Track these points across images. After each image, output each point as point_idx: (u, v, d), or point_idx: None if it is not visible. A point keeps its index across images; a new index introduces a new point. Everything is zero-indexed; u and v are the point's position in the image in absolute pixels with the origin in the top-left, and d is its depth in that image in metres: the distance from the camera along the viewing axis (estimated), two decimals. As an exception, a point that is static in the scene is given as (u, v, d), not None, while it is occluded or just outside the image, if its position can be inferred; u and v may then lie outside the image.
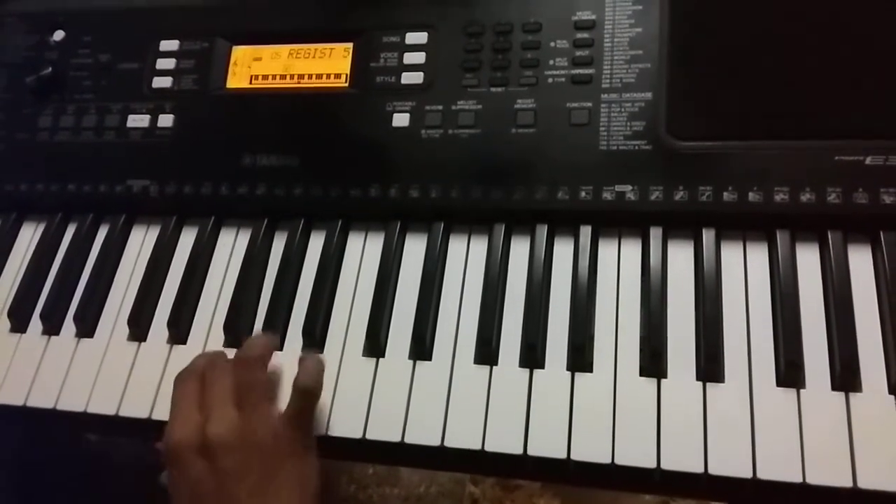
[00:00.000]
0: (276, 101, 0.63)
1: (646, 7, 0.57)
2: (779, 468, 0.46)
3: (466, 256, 0.57)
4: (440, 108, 0.59)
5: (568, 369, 0.51)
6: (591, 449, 0.48)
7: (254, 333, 0.57)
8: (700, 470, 0.46)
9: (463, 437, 0.50)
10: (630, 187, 0.54)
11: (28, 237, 0.67)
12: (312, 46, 0.64)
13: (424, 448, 0.51)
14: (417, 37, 0.61)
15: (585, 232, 0.55)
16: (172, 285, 0.61)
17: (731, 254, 0.53)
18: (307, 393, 0.50)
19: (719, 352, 0.50)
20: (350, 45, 0.63)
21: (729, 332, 0.50)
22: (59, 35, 0.70)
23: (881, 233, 0.51)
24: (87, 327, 0.61)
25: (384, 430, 0.51)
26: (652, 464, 0.47)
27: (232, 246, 0.62)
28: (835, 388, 0.48)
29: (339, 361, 0.55)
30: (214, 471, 0.46)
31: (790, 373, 0.48)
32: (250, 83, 0.65)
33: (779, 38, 0.55)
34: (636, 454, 0.48)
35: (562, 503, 1.05)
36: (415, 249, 0.58)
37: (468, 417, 0.51)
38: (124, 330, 0.60)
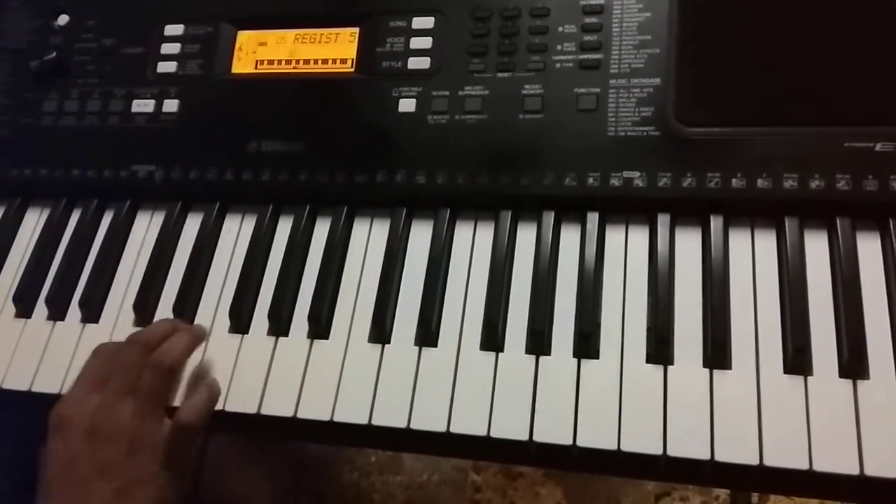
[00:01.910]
0: (281, 86, 0.63)
1: (654, -8, 0.57)
2: (786, 455, 0.46)
3: (473, 243, 0.57)
4: (447, 93, 0.59)
5: (574, 356, 0.51)
6: (596, 435, 0.48)
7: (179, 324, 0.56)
8: (706, 457, 0.46)
9: (468, 424, 0.50)
10: (638, 173, 0.53)
11: (33, 223, 0.67)
12: (318, 31, 0.64)
13: (430, 434, 0.51)
14: (424, 21, 0.61)
15: (592, 218, 0.55)
16: (177, 271, 0.61)
17: (739, 241, 0.53)
18: (186, 429, 0.50)
19: (726, 339, 0.49)
20: (356, 30, 0.63)
21: (736, 319, 0.50)
22: (63, 19, 0.69)
23: (890, 220, 0.50)
24: (92, 313, 0.61)
25: (390, 416, 0.51)
26: (658, 450, 0.47)
27: (237, 232, 0.62)
28: (842, 375, 0.48)
29: (344, 347, 0.55)
30: (92, 457, 0.47)
31: (797, 360, 0.48)
32: (255, 68, 0.64)
33: (788, 23, 0.54)
34: (642, 441, 0.48)
35: (564, 492, 1.05)
36: (421, 235, 0.58)
37: (474, 404, 0.51)
38: (129, 315, 0.60)
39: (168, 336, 0.53)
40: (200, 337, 0.55)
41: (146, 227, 0.64)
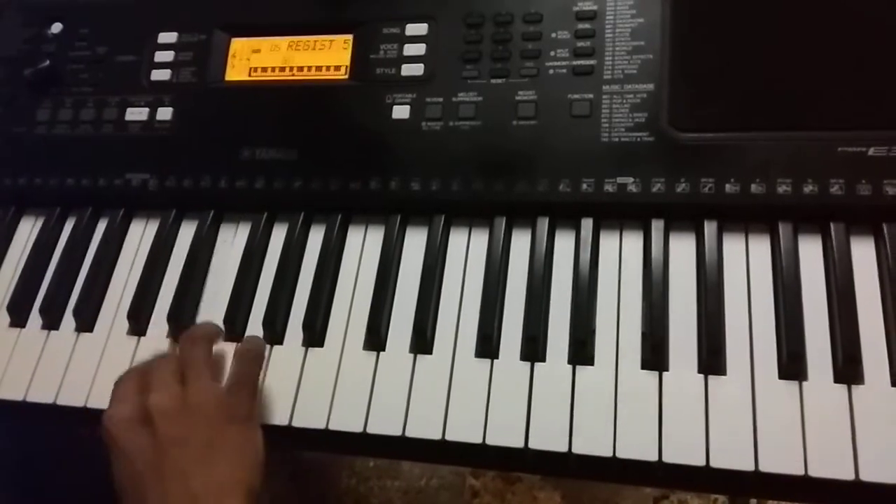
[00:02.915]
0: (275, 93, 0.63)
1: (647, -3, 0.57)
2: (781, 461, 0.46)
3: (467, 250, 0.57)
4: (440, 100, 0.59)
5: (569, 362, 0.51)
6: (592, 442, 0.48)
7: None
8: (702, 463, 0.46)
9: (464, 431, 0.50)
10: (632, 179, 0.53)
11: (27, 231, 0.66)
12: (312, 38, 0.64)
13: (425, 442, 0.51)
14: (417, 28, 0.61)
15: (587, 224, 0.55)
16: (172, 279, 0.61)
17: (734, 246, 0.53)
18: (245, 357, 0.50)
19: (721, 344, 0.49)
20: (350, 37, 0.63)
21: (731, 325, 0.50)
22: (56, 27, 0.69)
23: (884, 224, 0.50)
24: (86, 322, 0.60)
25: (385, 424, 0.51)
26: (654, 457, 0.47)
27: (232, 240, 0.62)
28: (837, 380, 0.47)
29: (339, 355, 0.55)
30: (155, 440, 0.46)
31: (792, 365, 0.48)
32: (249, 75, 0.64)
33: (781, 28, 0.54)
34: (638, 447, 0.47)
35: (562, 496, 1.05)
36: (415, 243, 0.58)
37: (469, 411, 0.51)
38: (124, 324, 0.60)
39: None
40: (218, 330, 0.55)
41: (140, 236, 0.64)
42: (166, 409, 0.47)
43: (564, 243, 0.55)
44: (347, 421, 0.52)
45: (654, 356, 0.50)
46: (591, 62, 0.57)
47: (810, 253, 0.51)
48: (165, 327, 0.59)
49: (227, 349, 0.55)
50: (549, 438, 0.49)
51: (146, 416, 0.47)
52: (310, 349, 0.55)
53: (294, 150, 0.60)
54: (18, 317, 0.62)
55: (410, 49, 0.61)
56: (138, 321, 0.59)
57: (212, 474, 0.46)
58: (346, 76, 0.62)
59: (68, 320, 0.61)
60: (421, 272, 0.56)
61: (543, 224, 0.55)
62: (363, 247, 0.59)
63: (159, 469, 0.45)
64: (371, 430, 0.51)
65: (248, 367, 0.51)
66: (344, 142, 0.60)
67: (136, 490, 0.46)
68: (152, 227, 0.64)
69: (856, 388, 0.47)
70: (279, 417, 0.53)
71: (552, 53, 0.58)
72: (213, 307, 0.59)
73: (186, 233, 0.63)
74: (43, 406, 0.58)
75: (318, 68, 0.63)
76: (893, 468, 0.44)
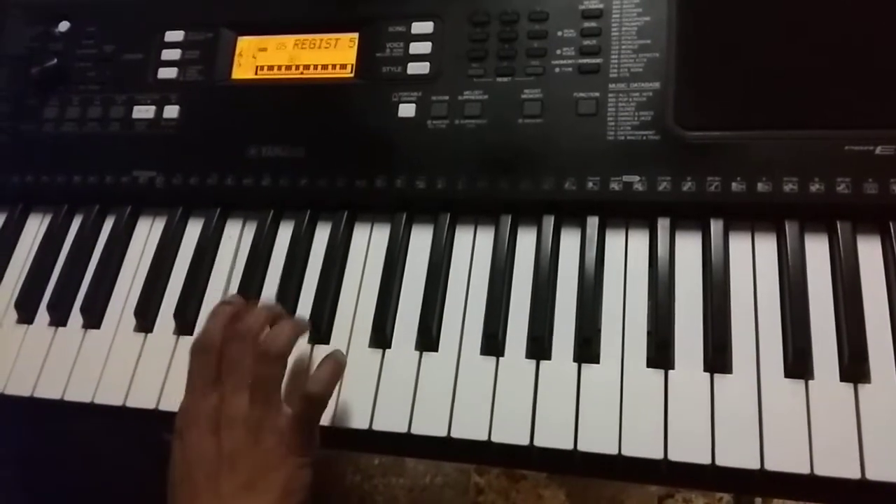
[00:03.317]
0: (281, 91, 0.63)
1: (654, -4, 0.57)
2: (787, 459, 0.46)
3: (473, 247, 0.57)
4: (446, 98, 0.59)
5: (575, 360, 0.51)
6: (597, 440, 0.48)
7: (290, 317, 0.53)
8: (707, 461, 0.46)
9: (469, 428, 0.50)
10: (638, 178, 0.53)
11: (34, 229, 0.67)
12: (318, 37, 0.64)
13: (431, 439, 0.51)
14: (423, 26, 0.61)
15: (592, 223, 0.55)
16: (178, 276, 0.61)
17: (740, 244, 0.53)
18: (313, 401, 0.49)
19: (727, 343, 0.49)
20: (356, 36, 0.63)
21: (737, 323, 0.50)
22: (63, 26, 0.70)
23: (891, 223, 0.50)
24: (93, 318, 0.61)
25: (391, 421, 0.51)
26: (659, 455, 0.47)
27: (238, 237, 0.62)
28: (843, 378, 0.47)
29: (345, 353, 0.55)
30: (218, 451, 0.47)
31: (798, 364, 0.48)
32: (256, 74, 0.64)
33: (788, 26, 0.54)
34: (643, 445, 0.47)
35: (567, 494, 1.05)
36: (421, 241, 0.58)
37: (475, 408, 0.51)
38: (131, 321, 0.60)
39: (267, 322, 0.51)
40: (304, 327, 0.53)
41: (147, 233, 0.64)
42: (234, 422, 0.48)
43: (570, 241, 0.55)
44: (353, 418, 0.52)
45: (660, 354, 0.50)
46: (597, 60, 0.57)
47: (817, 251, 0.51)
48: (172, 324, 0.59)
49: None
50: (554, 436, 0.49)
51: (216, 421, 0.48)
52: (316, 346, 0.55)
53: (300, 149, 0.61)
54: (26, 313, 0.62)
55: (416, 47, 0.61)
56: (145, 318, 0.60)
57: (254, 502, 0.46)
58: (352, 75, 0.62)
59: (76, 317, 0.61)
60: (426, 270, 0.56)
61: (549, 222, 0.55)
62: (369, 244, 0.59)
63: (213, 482, 0.46)
64: (376, 427, 0.51)
65: (314, 410, 0.49)
66: (350, 140, 0.60)
67: (190, 491, 0.47)
68: (159, 225, 0.64)
69: (862, 387, 0.47)
70: (285, 414, 0.53)
71: (558, 52, 0.58)
72: (219, 304, 0.59)
73: (193, 230, 0.63)
74: (50, 402, 0.58)
75: (324, 67, 0.63)
76: (900, 467, 0.44)
